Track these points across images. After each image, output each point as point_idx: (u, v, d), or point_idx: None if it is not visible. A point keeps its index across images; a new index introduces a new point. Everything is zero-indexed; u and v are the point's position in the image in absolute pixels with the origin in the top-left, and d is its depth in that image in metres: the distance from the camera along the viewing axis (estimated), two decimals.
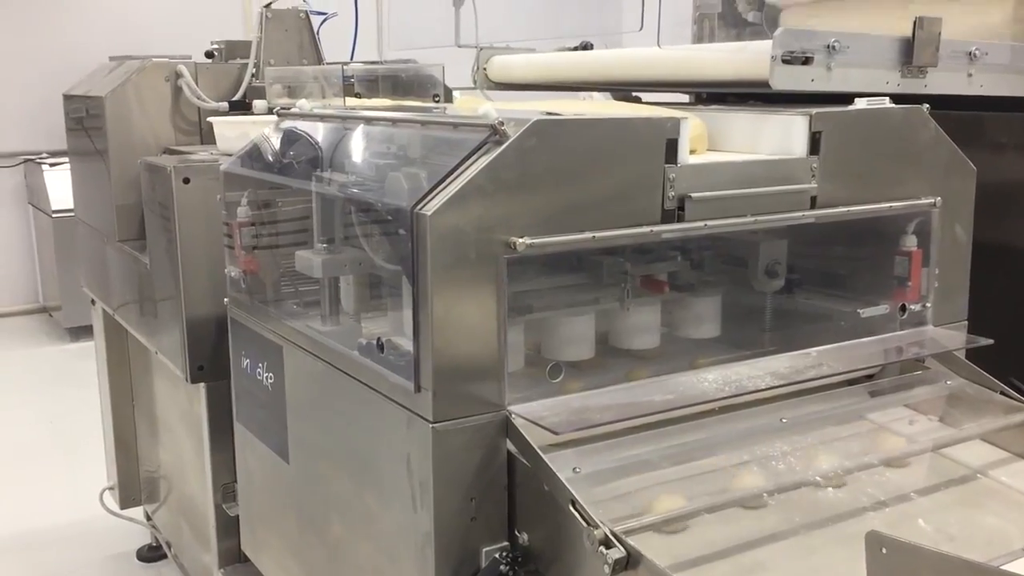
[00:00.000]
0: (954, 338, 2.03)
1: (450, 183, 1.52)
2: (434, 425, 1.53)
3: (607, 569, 1.34)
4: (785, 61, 1.79)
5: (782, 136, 1.84)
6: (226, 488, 2.67)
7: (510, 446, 1.59)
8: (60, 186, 6.10)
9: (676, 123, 1.67)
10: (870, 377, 2.01)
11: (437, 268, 1.50)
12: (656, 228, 1.67)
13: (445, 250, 1.50)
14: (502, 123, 1.53)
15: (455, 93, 2.70)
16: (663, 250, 1.98)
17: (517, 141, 1.53)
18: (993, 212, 2.15)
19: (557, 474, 1.47)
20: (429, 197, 1.51)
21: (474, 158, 1.54)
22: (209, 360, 2.57)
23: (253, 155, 2.20)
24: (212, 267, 2.47)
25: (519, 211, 1.55)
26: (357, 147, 1.94)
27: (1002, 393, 1.90)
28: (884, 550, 1.06)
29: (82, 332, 6.15)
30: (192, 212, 2.52)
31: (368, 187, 1.78)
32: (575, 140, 1.59)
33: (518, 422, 1.56)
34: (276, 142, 2.17)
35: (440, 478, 1.55)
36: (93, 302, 3.47)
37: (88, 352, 3.80)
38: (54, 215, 6.22)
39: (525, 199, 1.55)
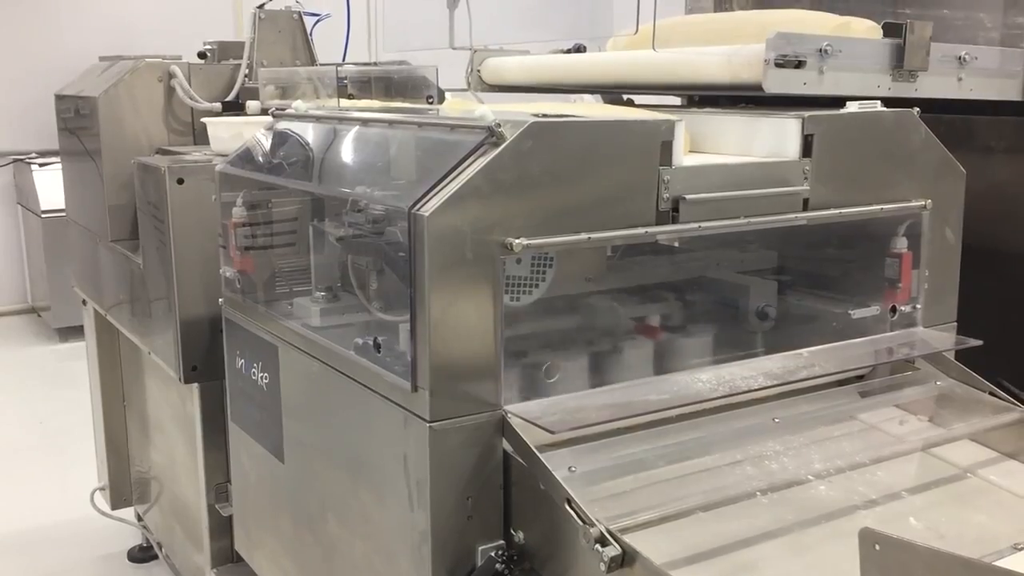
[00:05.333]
0: (944, 339, 2.05)
1: (447, 184, 1.53)
2: (431, 424, 1.54)
3: (603, 567, 1.35)
4: (778, 65, 1.81)
5: (775, 139, 1.86)
6: (219, 488, 2.68)
7: (506, 445, 1.60)
8: (49, 186, 6.08)
9: (671, 125, 1.68)
10: (861, 377, 2.03)
11: (434, 268, 1.51)
12: (651, 229, 1.69)
13: (442, 250, 1.51)
14: (499, 125, 1.54)
15: (447, 95, 2.71)
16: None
17: (514, 143, 1.55)
18: (982, 214, 2.17)
19: (553, 473, 1.48)
20: (426, 198, 1.52)
21: (471, 159, 1.55)
22: (202, 360, 2.58)
23: (248, 156, 2.21)
24: (205, 267, 2.48)
25: (515, 212, 1.56)
26: (354, 148, 1.95)
27: (991, 393, 1.93)
28: (877, 547, 1.08)
29: (71, 332, 6.13)
30: (186, 212, 2.52)
31: (365, 188, 1.79)
32: (571, 142, 1.60)
33: (514, 421, 1.57)
34: (270, 143, 2.18)
35: (437, 477, 1.56)
36: (84, 302, 3.47)
37: (77, 352, 3.80)
38: (43, 215, 6.20)
39: (521, 200, 1.57)
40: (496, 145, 1.55)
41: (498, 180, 1.54)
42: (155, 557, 3.51)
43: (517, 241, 1.55)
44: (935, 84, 2.05)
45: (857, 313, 2.02)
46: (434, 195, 1.52)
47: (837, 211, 1.89)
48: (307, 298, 1.98)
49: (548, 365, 1.75)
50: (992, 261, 2.37)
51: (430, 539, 1.57)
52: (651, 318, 2.04)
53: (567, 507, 1.44)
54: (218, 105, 3.07)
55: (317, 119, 2.10)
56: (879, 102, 1.93)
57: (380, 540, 1.74)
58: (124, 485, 3.53)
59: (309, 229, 2.01)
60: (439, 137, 1.72)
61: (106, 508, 3.52)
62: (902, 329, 2.05)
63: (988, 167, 2.42)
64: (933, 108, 2.02)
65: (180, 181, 2.51)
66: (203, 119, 2.90)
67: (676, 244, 2.20)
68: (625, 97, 2.53)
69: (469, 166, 1.54)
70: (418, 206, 1.51)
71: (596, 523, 1.39)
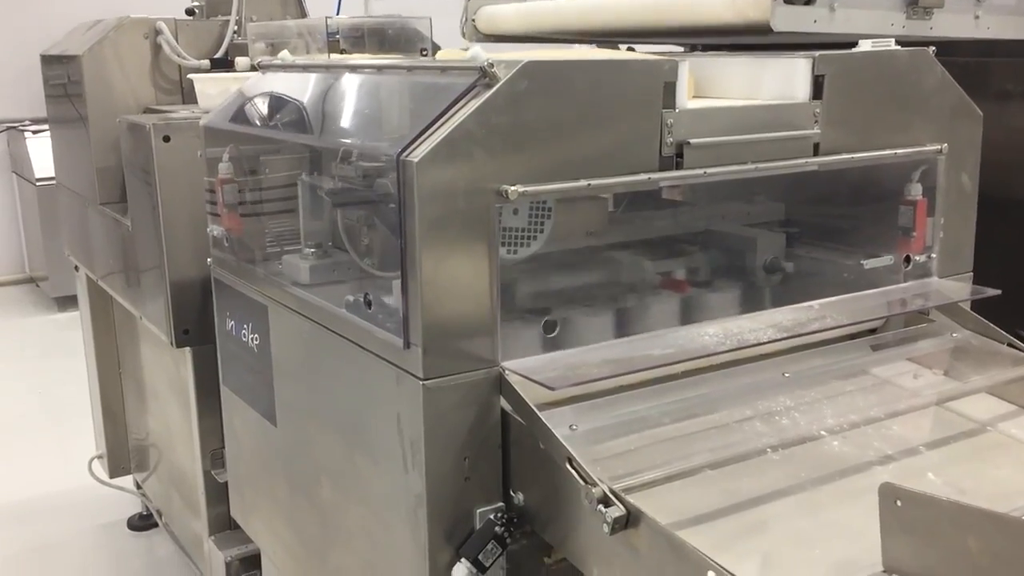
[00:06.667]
0: (960, 289, 1.97)
1: (437, 129, 1.45)
2: (424, 382, 1.47)
3: (606, 528, 1.29)
4: (787, 1, 1.71)
5: (784, 80, 1.77)
6: (215, 454, 2.62)
7: (504, 403, 1.53)
8: (43, 154, 5.98)
9: (674, 65, 1.59)
10: (873, 331, 1.95)
11: (425, 218, 1.43)
12: (654, 176, 1.61)
13: (434, 199, 1.43)
14: (492, 65, 1.46)
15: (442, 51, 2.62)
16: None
17: (508, 84, 1.46)
18: (998, 161, 2.09)
19: (553, 431, 1.41)
20: (416, 143, 1.44)
21: (462, 102, 1.47)
22: (194, 324, 2.51)
23: (234, 109, 2.12)
24: (195, 228, 2.40)
25: (511, 157, 1.48)
26: (341, 97, 1.86)
27: (1009, 345, 1.85)
28: (899, 502, 1.01)
29: (69, 302, 6.06)
30: (173, 171, 2.44)
31: (353, 137, 1.71)
32: (569, 83, 1.52)
33: (512, 378, 1.50)
34: (257, 96, 2.09)
35: (431, 437, 1.49)
36: (77, 268, 3.40)
37: (76, 322, 3.74)
38: (38, 183, 6.12)
39: (517, 145, 1.48)
40: (489, 87, 1.46)
41: (492, 123, 1.46)
42: (155, 525, 3.47)
43: (513, 188, 1.47)
44: (950, 22, 1.96)
45: (870, 263, 1.94)
46: (424, 140, 1.44)
47: (849, 156, 1.80)
48: (296, 255, 1.90)
49: (547, 320, 1.68)
50: (1009, 209, 2.29)
51: (426, 502, 1.51)
52: (655, 272, 1.97)
53: (568, 467, 1.37)
54: (206, 62, 2.98)
55: (304, 68, 2.01)
56: (893, 40, 1.84)
57: (375, 504, 1.68)
58: (122, 453, 3.48)
59: (298, 183, 1.93)
60: (429, 81, 1.64)
61: (104, 476, 3.48)
62: (916, 280, 1.97)
63: (1005, 112, 2.33)
64: (946, 52, 1.93)
65: (166, 139, 2.43)
66: (190, 75, 2.81)
67: (679, 198, 2.13)
68: (625, 47, 2.44)
69: (460, 109, 1.46)
70: (407, 152, 1.43)
71: (599, 483, 1.32)
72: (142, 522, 3.56)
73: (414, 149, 1.43)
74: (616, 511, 1.29)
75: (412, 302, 1.46)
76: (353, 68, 1.85)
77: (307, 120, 1.92)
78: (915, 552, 1.00)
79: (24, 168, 6.44)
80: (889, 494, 1.01)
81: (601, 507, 1.30)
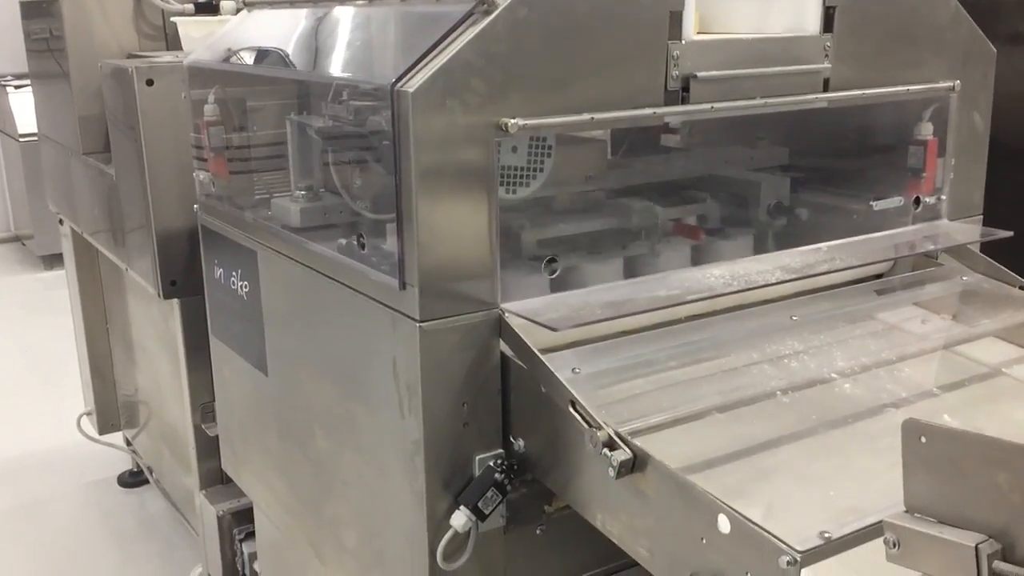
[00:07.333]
0: (970, 231, 1.92)
1: (433, 58, 1.38)
2: (421, 324, 1.41)
3: (612, 472, 1.24)
4: None
5: (794, 12, 1.69)
6: (205, 408, 2.57)
7: (504, 347, 1.48)
8: (27, 109, 5.84)
9: None
10: (881, 276, 1.90)
11: (421, 153, 1.36)
12: (659, 110, 1.54)
13: (429, 132, 1.36)
14: None
15: None
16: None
17: (507, 10, 1.39)
18: (1007, 105, 2.02)
19: (556, 374, 1.36)
20: (410, 74, 1.37)
21: (459, 31, 1.39)
22: (182, 275, 2.44)
23: (220, 48, 2.04)
24: (181, 175, 2.33)
25: (510, 89, 1.41)
26: (331, 31, 1.78)
27: (1021, 288, 1.80)
28: (923, 439, 0.96)
29: (56, 260, 5.97)
30: (157, 117, 2.36)
31: (343, 71, 1.63)
32: (571, 11, 1.44)
33: (512, 320, 1.45)
34: (243, 33, 2.01)
35: (429, 381, 1.43)
36: (61, 221, 3.32)
37: (63, 280, 3.67)
38: (21, 139, 6.00)
39: (517, 76, 1.41)
40: (487, 14, 1.39)
41: (490, 53, 1.38)
42: (146, 482, 3.43)
43: (513, 121, 1.40)
44: None
45: (879, 205, 1.89)
46: (419, 71, 1.37)
47: (860, 92, 1.73)
48: (287, 198, 1.83)
49: (549, 259, 1.61)
50: (1019, 153, 2.23)
51: (423, 448, 1.46)
52: (658, 216, 1.90)
53: (571, 410, 1.32)
54: (190, 6, 2.88)
55: (292, 4, 1.93)
56: None
57: (370, 451, 1.63)
58: (111, 410, 3.43)
59: (287, 123, 1.85)
60: (424, 10, 1.56)
61: (93, 433, 3.43)
62: (925, 222, 1.91)
63: (1015, 54, 2.26)
64: None
65: (150, 83, 2.34)
66: (173, 19, 2.72)
67: (680, 144, 2.06)
68: None
69: (458, 37, 1.38)
70: (402, 83, 1.36)
71: (604, 426, 1.27)
72: (133, 479, 3.51)
73: (409, 79, 1.36)
74: (622, 454, 1.24)
75: (407, 240, 1.40)
76: (343, 1, 1.77)
77: (296, 57, 1.84)
78: (940, 490, 0.95)
79: (7, 124, 6.31)
80: (913, 430, 0.96)
81: (606, 451, 1.25)
